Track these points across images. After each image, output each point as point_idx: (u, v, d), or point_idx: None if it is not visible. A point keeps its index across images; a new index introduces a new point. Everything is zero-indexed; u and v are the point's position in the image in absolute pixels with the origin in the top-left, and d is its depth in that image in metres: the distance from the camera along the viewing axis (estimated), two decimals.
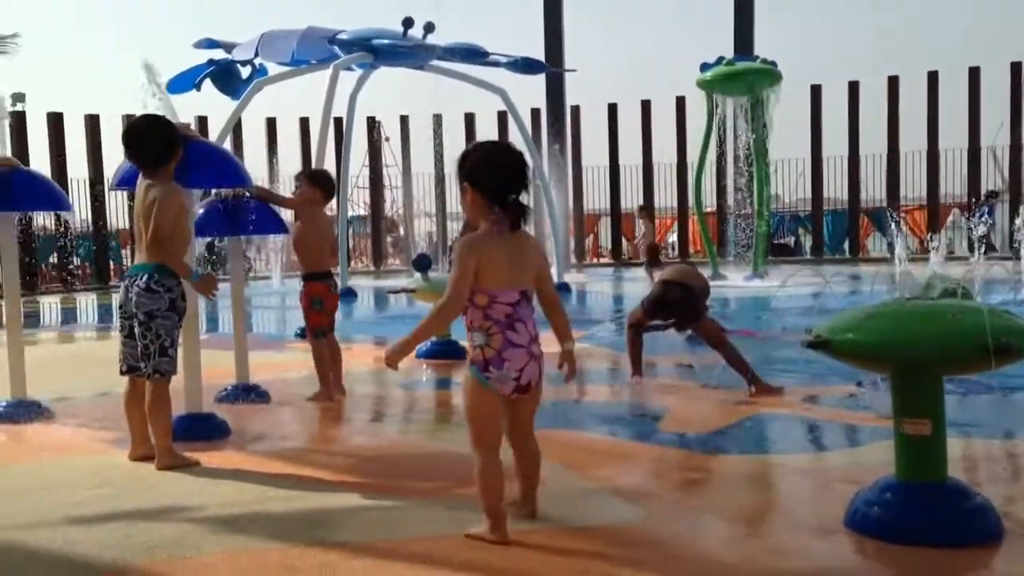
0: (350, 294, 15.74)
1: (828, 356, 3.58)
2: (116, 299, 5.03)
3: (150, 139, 4.86)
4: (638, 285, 18.89)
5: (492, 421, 3.53)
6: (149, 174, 4.87)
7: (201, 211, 6.44)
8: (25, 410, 6.14)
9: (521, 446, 3.70)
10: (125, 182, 5.24)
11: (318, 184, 6.86)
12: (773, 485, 4.54)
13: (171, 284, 4.81)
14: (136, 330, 4.83)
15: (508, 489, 3.70)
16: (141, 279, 4.79)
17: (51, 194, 6.28)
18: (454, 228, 25.76)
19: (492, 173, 3.49)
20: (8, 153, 6.38)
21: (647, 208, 21.54)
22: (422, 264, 8.51)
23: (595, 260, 28.75)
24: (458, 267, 3.46)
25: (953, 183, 26.53)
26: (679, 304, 6.78)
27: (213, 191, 6.66)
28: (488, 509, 3.51)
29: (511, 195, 3.48)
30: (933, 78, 25.11)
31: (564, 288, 17.03)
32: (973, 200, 23.92)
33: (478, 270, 3.44)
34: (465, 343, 7.27)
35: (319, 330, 6.77)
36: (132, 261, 5.05)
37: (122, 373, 5.01)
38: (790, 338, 8.13)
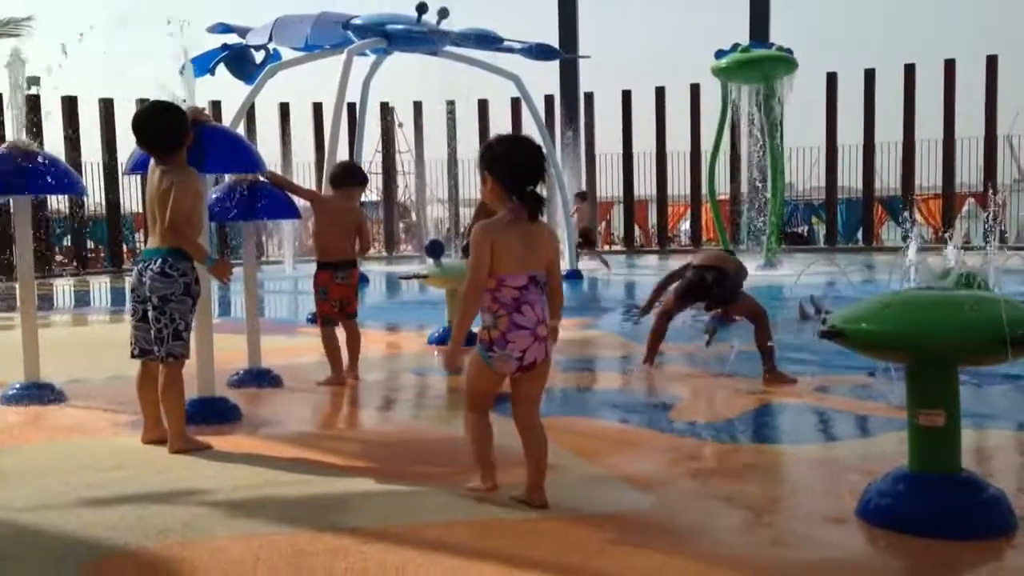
0: (362, 280, 15.75)
1: (843, 346, 3.55)
2: (129, 283, 5.03)
3: (160, 126, 4.85)
4: (651, 272, 18.86)
5: (487, 395, 3.85)
6: (161, 160, 4.87)
7: (214, 196, 6.45)
8: (39, 392, 6.17)
9: (528, 430, 3.82)
10: (139, 166, 5.24)
11: (333, 179, 6.98)
12: (785, 475, 4.52)
13: (185, 268, 4.82)
14: (150, 314, 4.84)
15: (516, 475, 3.72)
16: (155, 263, 4.79)
17: (66, 178, 6.29)
18: (466, 214, 25.75)
19: (512, 167, 3.70)
20: (23, 136, 6.38)
21: (583, 194, 21.47)
22: (434, 250, 8.50)
23: (607, 247, 28.69)
24: (475, 252, 3.66)
25: (969, 172, 26.38)
26: (712, 288, 6.77)
27: (227, 176, 6.67)
28: (477, 458, 3.87)
29: (528, 187, 3.68)
30: (950, 66, 24.93)
31: (576, 275, 16.99)
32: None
33: (492, 253, 3.63)
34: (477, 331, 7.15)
35: (326, 317, 6.81)
36: (145, 245, 5.05)
37: (134, 356, 5.02)
38: (791, 325, 8.09)
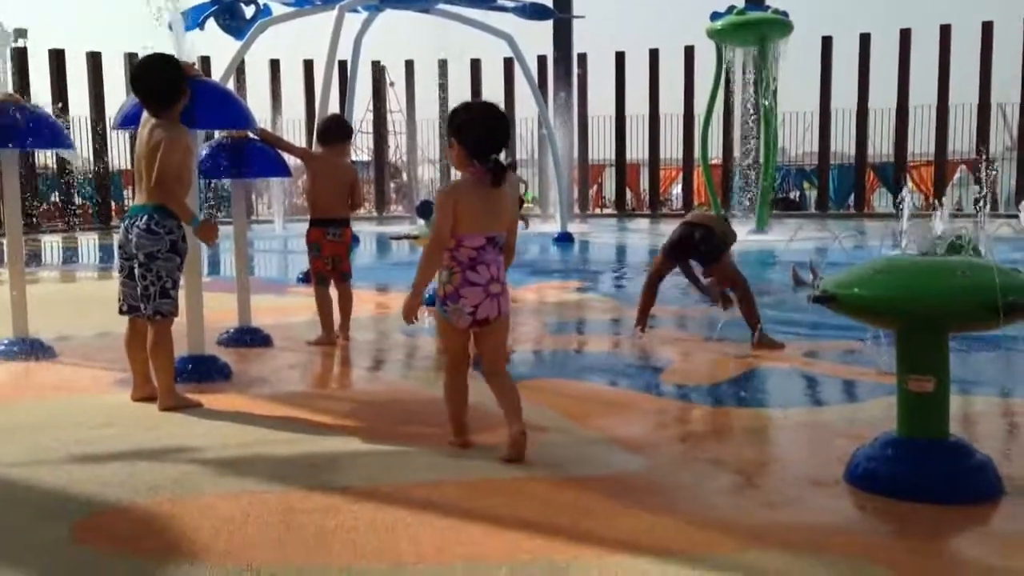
0: (353, 240, 15.70)
1: (835, 311, 3.56)
2: (116, 239, 4.99)
3: (158, 78, 4.78)
4: (642, 236, 18.88)
5: (456, 348, 4.05)
6: (155, 113, 4.80)
7: (204, 153, 6.39)
8: (27, 348, 6.15)
9: (495, 382, 4.04)
10: (128, 121, 5.17)
11: (320, 136, 6.93)
12: (774, 438, 4.54)
13: (172, 226, 4.77)
14: (136, 271, 4.81)
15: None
16: (141, 220, 4.75)
17: (53, 132, 6.22)
18: (457, 175, 25.70)
19: (477, 133, 3.85)
20: (10, 89, 6.30)
21: (511, 164, 21.49)
22: (425, 210, 8.47)
23: (598, 210, 28.65)
24: (440, 212, 3.85)
25: (961, 139, 26.34)
26: (699, 245, 6.75)
27: (217, 132, 6.60)
28: (451, 416, 4.13)
29: (491, 154, 3.83)
30: (945, 32, 24.80)
31: (567, 238, 16.96)
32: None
33: (455, 215, 3.82)
34: None
35: (319, 275, 6.79)
36: (133, 201, 5.00)
37: (122, 313, 4.99)
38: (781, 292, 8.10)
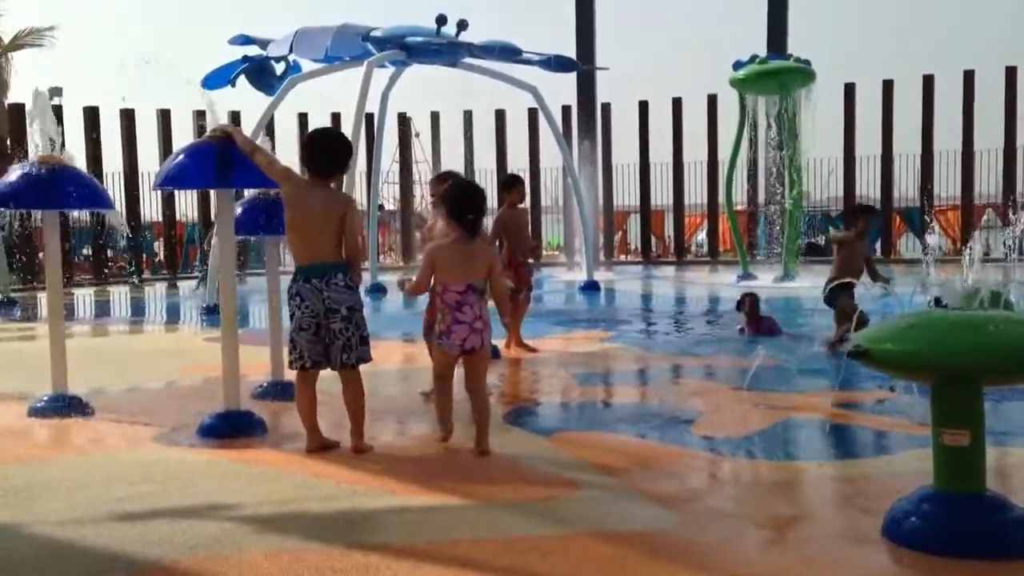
0: (378, 290, 15.81)
1: (867, 366, 3.57)
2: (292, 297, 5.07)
3: (340, 151, 5.18)
4: (668, 283, 18.87)
5: (444, 371, 5.17)
6: (325, 181, 5.12)
7: (240, 210, 6.50)
8: (66, 405, 6.23)
9: (474, 396, 5.14)
10: (169, 182, 5.30)
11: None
12: (807, 492, 4.53)
13: (358, 281, 5.16)
14: (336, 325, 4.99)
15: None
16: (338, 277, 4.99)
17: (95, 193, 6.37)
18: (485, 223, 25.86)
19: (456, 202, 5.07)
20: (51, 150, 6.48)
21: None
22: None
23: (623, 257, 28.68)
24: (421, 264, 5.06)
25: (987, 183, 26.23)
26: None
27: (245, 191, 6.72)
28: (439, 419, 5.25)
29: (468, 216, 4.99)
30: (969, 77, 24.85)
31: (593, 286, 16.99)
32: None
33: (435, 266, 4.97)
34: (497, 344, 7.24)
35: None
36: (305, 260, 5.04)
37: (304, 369, 5.11)
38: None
